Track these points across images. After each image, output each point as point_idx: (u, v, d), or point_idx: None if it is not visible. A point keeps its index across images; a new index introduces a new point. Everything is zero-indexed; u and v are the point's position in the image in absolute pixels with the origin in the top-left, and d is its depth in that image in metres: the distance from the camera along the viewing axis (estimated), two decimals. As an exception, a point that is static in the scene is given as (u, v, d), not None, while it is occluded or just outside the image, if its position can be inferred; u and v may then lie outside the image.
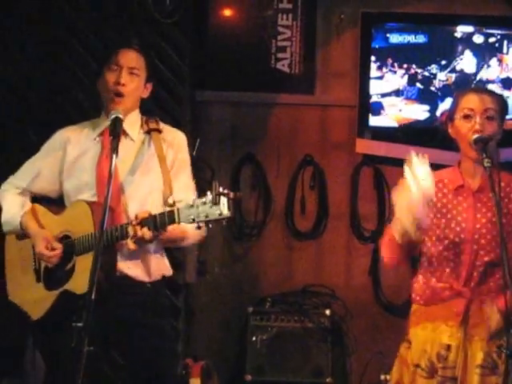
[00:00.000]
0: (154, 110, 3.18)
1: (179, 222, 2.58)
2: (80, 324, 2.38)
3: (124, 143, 2.96)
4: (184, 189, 2.91)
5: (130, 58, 2.97)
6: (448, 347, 2.86)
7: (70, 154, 3.00)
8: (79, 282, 2.77)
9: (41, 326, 2.92)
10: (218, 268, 4.62)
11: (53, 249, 2.88)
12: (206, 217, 2.47)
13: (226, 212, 2.46)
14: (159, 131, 3.01)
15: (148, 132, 3.01)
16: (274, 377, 4.29)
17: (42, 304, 2.93)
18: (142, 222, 2.67)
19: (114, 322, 2.88)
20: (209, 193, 2.49)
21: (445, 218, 2.89)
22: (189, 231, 2.88)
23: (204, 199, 2.49)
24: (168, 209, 2.62)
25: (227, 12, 4.66)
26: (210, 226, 2.51)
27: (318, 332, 4.33)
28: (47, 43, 4.28)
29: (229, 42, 4.64)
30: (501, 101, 2.94)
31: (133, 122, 3.03)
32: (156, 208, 2.78)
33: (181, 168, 2.99)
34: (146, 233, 2.67)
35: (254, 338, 4.33)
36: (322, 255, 4.68)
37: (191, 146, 3.14)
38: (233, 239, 4.65)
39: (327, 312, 4.38)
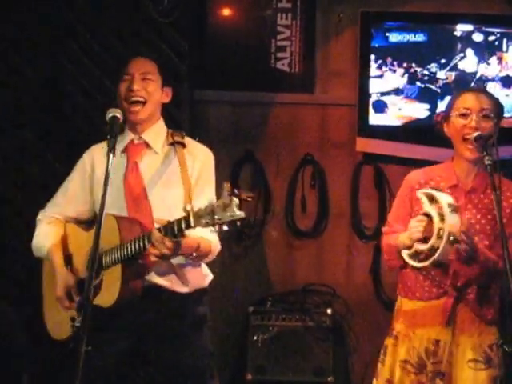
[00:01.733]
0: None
1: (194, 227, 2.53)
2: (78, 324, 2.38)
3: (148, 156, 2.97)
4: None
5: (141, 64, 2.97)
6: (437, 342, 2.88)
7: (97, 173, 3.00)
8: (106, 296, 2.77)
9: (67, 346, 2.88)
10: (218, 268, 4.61)
11: (71, 300, 2.88)
12: (220, 219, 2.43)
13: (238, 213, 2.41)
14: (183, 145, 2.99)
15: (172, 144, 2.99)
16: (275, 376, 4.29)
17: (66, 325, 2.90)
18: (161, 229, 2.65)
19: (145, 332, 2.91)
20: (223, 195, 2.46)
21: None
22: (212, 242, 2.91)
23: (216, 202, 2.46)
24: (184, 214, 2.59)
25: (226, 11, 4.65)
26: (226, 228, 2.46)
27: (319, 331, 4.33)
28: (46, 44, 4.27)
29: (228, 41, 4.62)
30: (496, 103, 2.96)
31: (157, 134, 3.01)
32: None
33: (206, 186, 2.97)
34: (165, 240, 2.63)
35: (254, 338, 4.33)
36: (322, 254, 4.68)
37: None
38: (233, 239, 4.65)
39: (328, 311, 4.37)
